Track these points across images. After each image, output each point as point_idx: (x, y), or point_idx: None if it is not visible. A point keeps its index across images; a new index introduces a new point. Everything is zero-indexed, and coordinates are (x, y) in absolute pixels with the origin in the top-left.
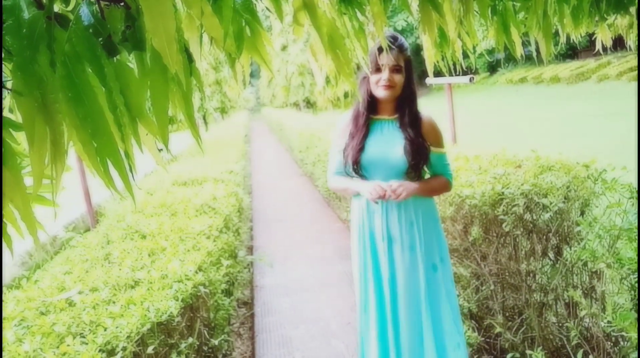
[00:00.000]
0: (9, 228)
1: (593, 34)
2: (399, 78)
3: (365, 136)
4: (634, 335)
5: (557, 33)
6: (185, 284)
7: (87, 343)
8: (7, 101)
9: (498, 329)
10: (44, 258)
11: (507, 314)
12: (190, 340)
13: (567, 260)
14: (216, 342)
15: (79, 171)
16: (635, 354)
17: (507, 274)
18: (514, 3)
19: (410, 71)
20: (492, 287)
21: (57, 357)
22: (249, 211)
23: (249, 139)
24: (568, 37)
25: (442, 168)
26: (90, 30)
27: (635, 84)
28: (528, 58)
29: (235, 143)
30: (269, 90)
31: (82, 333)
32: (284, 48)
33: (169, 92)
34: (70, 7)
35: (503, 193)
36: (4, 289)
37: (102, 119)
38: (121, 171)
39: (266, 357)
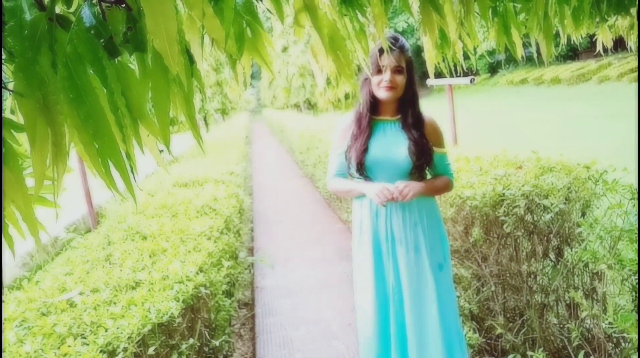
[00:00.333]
0: (10, 229)
1: (594, 35)
2: (400, 79)
3: (368, 137)
4: (635, 336)
5: (557, 34)
6: (186, 285)
7: (88, 344)
8: (9, 102)
9: (499, 330)
10: (45, 259)
11: (508, 315)
12: (191, 341)
13: (568, 261)
14: (217, 343)
15: (80, 172)
16: (636, 355)
17: (508, 275)
18: (515, 4)
19: (411, 72)
20: (493, 288)
21: None
22: (249, 213)
23: (250, 140)
24: (569, 39)
25: (443, 168)
26: (92, 32)
27: (635, 85)
28: (529, 59)
29: (236, 144)
30: (269, 91)
31: (83, 334)
32: (284, 49)
33: (170, 94)
34: (72, 9)
35: (504, 194)
36: (5, 290)
37: (104, 120)
38: (122, 172)
39: None
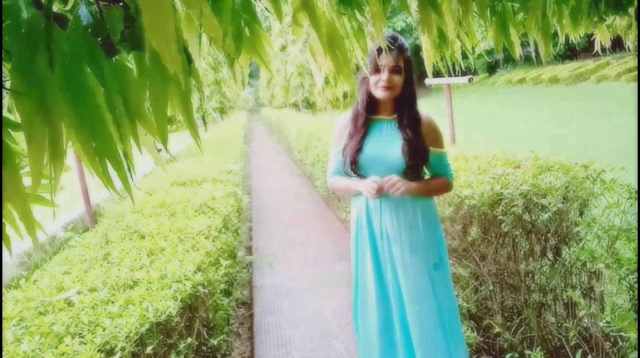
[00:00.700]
0: (8, 228)
1: (592, 35)
2: (398, 79)
3: (364, 136)
4: (633, 335)
5: (556, 34)
6: (184, 284)
7: (85, 343)
8: (6, 101)
9: (497, 329)
10: (42, 258)
11: (506, 314)
12: (189, 340)
13: (566, 260)
14: (215, 342)
15: (78, 171)
16: (634, 354)
17: (506, 274)
18: (513, 4)
19: (409, 72)
20: (491, 287)
21: (55, 357)
22: (248, 212)
23: (248, 139)
24: (567, 38)
25: (442, 169)
26: (89, 31)
27: (633, 84)
28: (527, 59)
29: (234, 143)
30: (268, 90)
31: (80, 333)
32: (283, 48)
33: (168, 93)
34: (68, 7)
35: (502, 193)
36: (3, 289)
37: (101, 120)
38: (120, 172)
39: (265, 357)
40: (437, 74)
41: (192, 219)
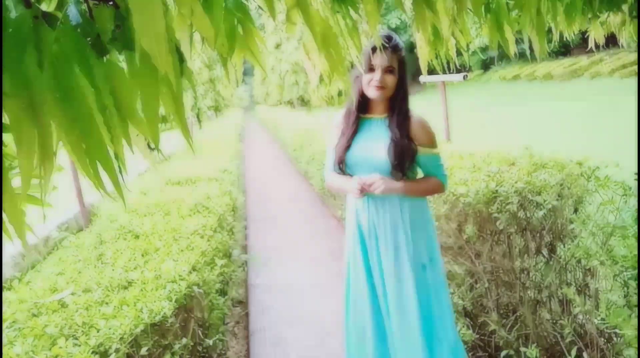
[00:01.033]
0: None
1: (586, 31)
2: (390, 79)
3: (353, 135)
4: (627, 331)
5: (550, 30)
6: (179, 284)
7: (79, 345)
8: None
9: (492, 326)
10: (36, 258)
11: (502, 311)
12: (185, 340)
13: (560, 258)
14: (211, 342)
15: (72, 171)
16: (628, 351)
17: (501, 272)
18: (508, 1)
19: (403, 71)
20: (486, 285)
21: None
22: (243, 210)
23: (243, 137)
24: (561, 35)
25: (434, 169)
26: (78, 30)
27: (627, 81)
28: (521, 55)
29: (229, 141)
30: (263, 88)
31: (74, 335)
32: (277, 46)
33: (159, 93)
34: (51, 7)
35: (497, 191)
36: None
37: (91, 121)
38: (110, 173)
39: (261, 356)
40: (431, 71)
41: (186, 219)
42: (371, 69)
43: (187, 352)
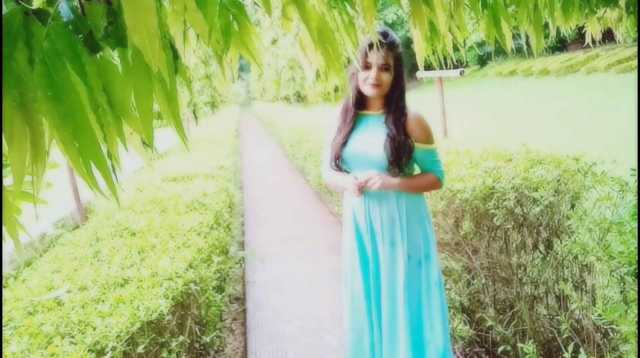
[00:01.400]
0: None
1: (582, 27)
2: (386, 77)
3: (350, 131)
4: (624, 327)
5: (546, 25)
6: (176, 282)
7: (75, 344)
8: None
9: (489, 322)
10: (32, 255)
11: (499, 307)
12: (182, 338)
13: (557, 253)
14: (208, 339)
15: (68, 168)
16: (625, 346)
17: (498, 267)
18: None
19: (399, 68)
20: (483, 281)
21: None
22: (240, 207)
23: (240, 133)
24: (558, 30)
25: (431, 165)
26: (70, 27)
27: (623, 76)
28: (518, 51)
29: (225, 137)
30: (259, 84)
31: (70, 333)
32: (274, 42)
33: (152, 90)
34: (37, 4)
35: (494, 187)
36: None
37: (84, 119)
38: (104, 172)
39: (258, 352)
40: (428, 67)
41: (183, 216)
42: (367, 66)
43: (184, 349)
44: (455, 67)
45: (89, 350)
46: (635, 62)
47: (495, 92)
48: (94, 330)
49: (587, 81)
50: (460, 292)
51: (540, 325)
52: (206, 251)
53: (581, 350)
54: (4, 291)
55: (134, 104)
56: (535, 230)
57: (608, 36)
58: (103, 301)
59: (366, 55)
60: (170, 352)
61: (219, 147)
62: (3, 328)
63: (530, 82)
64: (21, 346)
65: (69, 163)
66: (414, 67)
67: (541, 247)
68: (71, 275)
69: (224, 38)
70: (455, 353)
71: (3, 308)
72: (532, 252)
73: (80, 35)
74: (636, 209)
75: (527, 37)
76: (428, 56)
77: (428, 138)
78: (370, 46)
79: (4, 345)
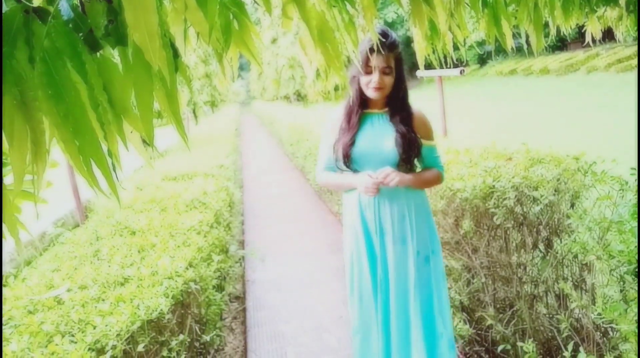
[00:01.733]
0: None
1: (582, 26)
2: (389, 79)
3: (356, 131)
4: (624, 326)
5: (546, 25)
6: (176, 281)
7: (76, 342)
8: None
9: (489, 321)
10: (32, 254)
11: (498, 306)
12: (182, 336)
13: (557, 252)
14: (208, 338)
15: (67, 167)
16: (624, 345)
17: (498, 266)
18: None
19: (400, 68)
20: (483, 280)
21: (45, 357)
22: (240, 206)
23: (240, 132)
24: (558, 29)
25: (432, 161)
26: (70, 25)
27: (622, 75)
28: (518, 50)
29: (225, 136)
30: (259, 83)
31: (71, 332)
32: (274, 41)
33: (152, 89)
34: (37, 2)
35: (494, 186)
36: None
37: (84, 117)
38: (104, 170)
39: (258, 351)
40: (428, 65)
41: (183, 215)
42: (368, 70)
43: (184, 348)
44: (456, 66)
45: (89, 349)
46: (635, 61)
47: (495, 91)
48: (94, 328)
49: (587, 80)
50: (460, 291)
51: (540, 324)
52: (206, 250)
53: (581, 349)
54: (4, 290)
55: (134, 102)
56: (535, 229)
57: (608, 35)
58: (103, 300)
59: (367, 59)
60: (170, 350)
61: (219, 146)
62: (3, 327)
63: (531, 81)
64: (21, 345)
65: (69, 162)
66: (414, 66)
67: (541, 246)
68: (71, 273)
69: (224, 37)
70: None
71: (3, 306)
72: (532, 251)
73: (81, 34)
74: (636, 208)
75: (527, 36)
76: (428, 55)
77: (430, 135)
78: (371, 49)
79: (4, 343)
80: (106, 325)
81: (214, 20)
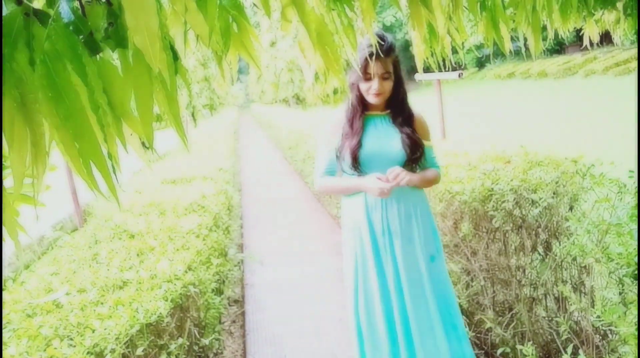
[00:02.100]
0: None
1: (580, 29)
2: (388, 84)
3: (361, 134)
4: (623, 328)
5: (544, 28)
6: (175, 284)
7: (74, 346)
8: None
9: (488, 324)
10: (31, 258)
11: (498, 309)
12: (181, 340)
13: (556, 255)
14: (207, 342)
15: (66, 170)
16: (623, 348)
17: (497, 269)
18: None
19: (398, 71)
20: (482, 283)
21: None
22: (238, 209)
23: (238, 136)
24: (556, 33)
25: (432, 160)
26: (71, 28)
27: (620, 79)
28: (516, 53)
29: (224, 140)
30: (258, 86)
31: (69, 336)
32: (272, 44)
33: (152, 91)
34: (40, 4)
35: (492, 189)
36: None
37: (84, 120)
38: (104, 173)
39: (257, 355)
40: (427, 69)
41: (182, 218)
42: (368, 77)
43: (183, 351)
44: (454, 69)
45: (87, 353)
46: (633, 65)
47: (493, 94)
48: (93, 332)
49: (585, 83)
50: (459, 294)
51: (539, 327)
52: (205, 253)
53: (580, 351)
54: (3, 293)
55: (134, 105)
56: (534, 232)
57: (606, 38)
58: (102, 303)
59: (366, 66)
60: (169, 354)
61: (218, 149)
62: (2, 331)
63: (529, 85)
64: (20, 348)
65: (69, 164)
66: (413, 70)
67: (540, 249)
68: (70, 277)
69: (223, 40)
70: None
71: (2, 310)
72: (530, 254)
73: (81, 36)
74: (635, 211)
75: (525, 39)
76: (427, 58)
77: (428, 136)
78: (370, 55)
79: (3, 347)
80: (105, 329)
81: (213, 23)
